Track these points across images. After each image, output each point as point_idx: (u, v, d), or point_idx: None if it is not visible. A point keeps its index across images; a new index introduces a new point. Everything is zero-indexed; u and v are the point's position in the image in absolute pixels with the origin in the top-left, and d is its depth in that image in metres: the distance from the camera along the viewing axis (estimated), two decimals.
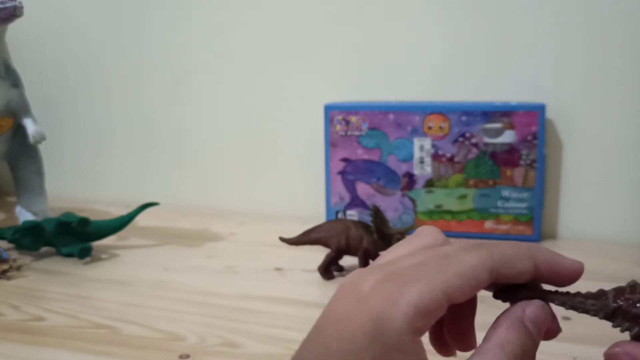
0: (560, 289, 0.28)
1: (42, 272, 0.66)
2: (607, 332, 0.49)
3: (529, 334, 0.26)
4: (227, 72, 0.92)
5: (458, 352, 0.30)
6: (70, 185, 1.03)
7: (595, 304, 0.27)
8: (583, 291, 0.28)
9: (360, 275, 0.27)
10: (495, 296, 0.29)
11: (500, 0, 0.78)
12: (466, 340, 0.30)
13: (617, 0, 0.73)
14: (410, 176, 0.78)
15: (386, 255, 0.30)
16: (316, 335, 0.26)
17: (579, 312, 0.28)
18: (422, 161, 0.77)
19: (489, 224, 0.76)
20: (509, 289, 0.28)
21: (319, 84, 0.87)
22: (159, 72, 0.96)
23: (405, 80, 0.83)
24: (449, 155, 0.76)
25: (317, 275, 0.64)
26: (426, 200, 0.78)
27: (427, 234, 0.30)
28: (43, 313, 0.55)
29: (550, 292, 0.28)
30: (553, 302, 0.28)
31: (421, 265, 0.26)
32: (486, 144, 0.75)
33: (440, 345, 0.30)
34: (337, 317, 0.25)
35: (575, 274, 0.28)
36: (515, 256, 0.27)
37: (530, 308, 0.27)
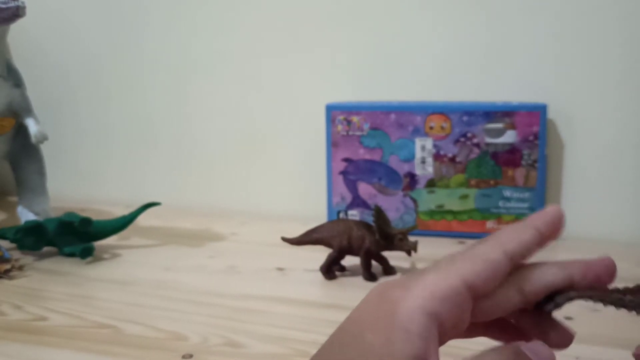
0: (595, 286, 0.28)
1: (44, 271, 0.66)
2: (609, 333, 0.49)
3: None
4: (229, 72, 0.92)
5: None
6: (72, 185, 1.03)
7: (633, 300, 0.27)
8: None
9: (387, 282, 0.28)
10: (537, 307, 0.29)
11: (501, 0, 0.78)
12: (559, 333, 0.29)
13: (618, 0, 0.74)
14: (411, 176, 0.78)
15: None
16: (340, 335, 0.27)
17: (617, 308, 0.28)
18: (423, 161, 0.77)
19: (490, 224, 0.76)
20: (545, 298, 0.28)
21: (321, 84, 0.87)
22: (160, 71, 0.96)
23: (407, 80, 0.84)
24: (450, 155, 0.76)
25: (319, 275, 0.64)
26: (428, 200, 0.78)
27: None
28: (45, 313, 0.55)
29: (585, 289, 0.28)
30: (591, 299, 0.28)
31: (438, 262, 0.28)
32: (488, 144, 0.75)
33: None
34: (361, 317, 0.27)
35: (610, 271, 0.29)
36: (520, 229, 0.28)
37: (531, 344, 0.27)
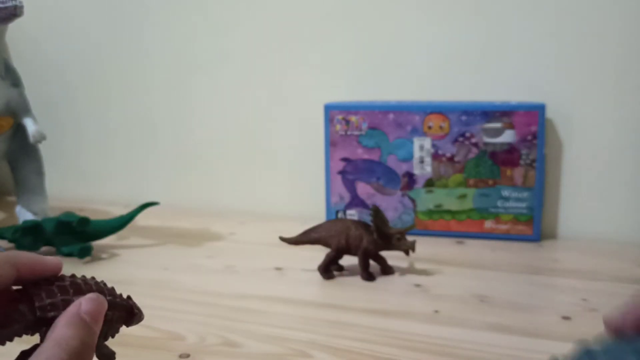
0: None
1: None
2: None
3: (87, 326, 0.28)
4: (227, 72, 0.92)
5: None
6: (70, 184, 1.03)
7: None
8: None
9: None
10: None
11: (500, 0, 0.78)
12: None
13: (617, 0, 0.74)
14: (410, 176, 0.78)
15: None
16: None
17: None
18: (422, 161, 0.77)
19: (488, 224, 0.76)
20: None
21: (319, 83, 0.87)
22: (158, 71, 0.96)
23: (405, 80, 0.84)
24: (448, 154, 0.76)
25: (317, 275, 0.64)
26: (426, 200, 0.78)
27: None
28: None
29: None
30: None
31: None
32: (486, 144, 0.75)
33: None
34: None
35: (57, 270, 0.31)
36: None
37: (86, 302, 0.29)
